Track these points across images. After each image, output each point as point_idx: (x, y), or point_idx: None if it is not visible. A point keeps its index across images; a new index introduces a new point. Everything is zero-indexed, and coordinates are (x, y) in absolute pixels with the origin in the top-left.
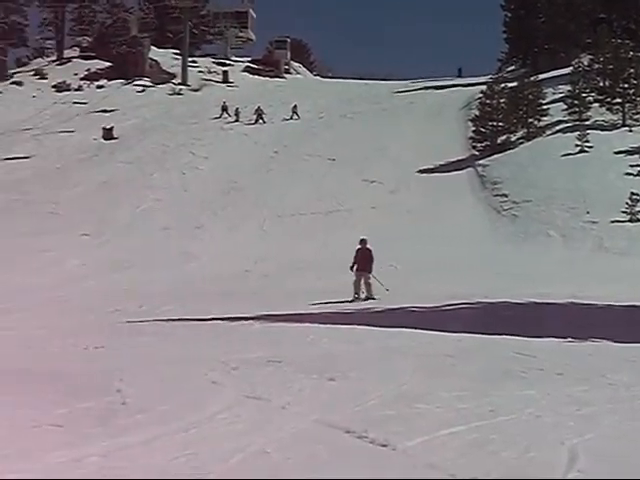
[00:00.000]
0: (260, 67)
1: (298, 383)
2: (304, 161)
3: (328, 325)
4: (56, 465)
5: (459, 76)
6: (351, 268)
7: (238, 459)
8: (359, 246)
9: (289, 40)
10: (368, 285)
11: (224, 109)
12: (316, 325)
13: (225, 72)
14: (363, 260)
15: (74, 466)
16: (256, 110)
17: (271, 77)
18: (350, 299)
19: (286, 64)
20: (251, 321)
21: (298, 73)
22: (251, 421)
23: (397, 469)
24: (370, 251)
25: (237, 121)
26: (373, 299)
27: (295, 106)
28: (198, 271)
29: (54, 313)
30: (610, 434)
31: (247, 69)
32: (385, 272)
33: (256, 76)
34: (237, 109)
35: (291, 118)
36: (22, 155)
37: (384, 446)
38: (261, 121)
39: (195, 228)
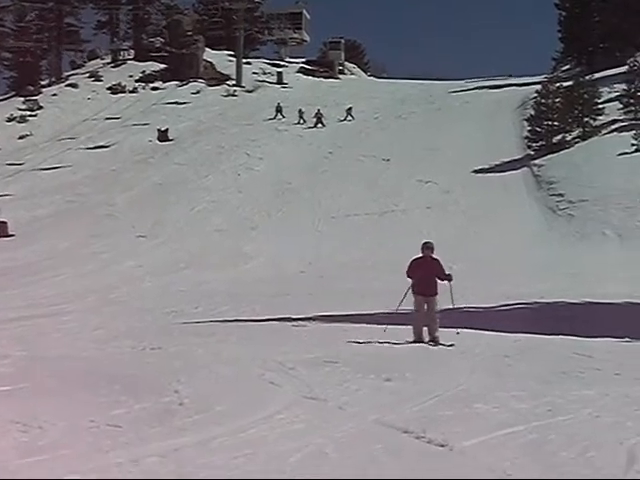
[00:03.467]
0: (314, 68)
1: (355, 383)
2: (358, 162)
3: (384, 325)
4: (114, 466)
5: (510, 76)
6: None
7: (296, 459)
8: (420, 255)
9: (343, 41)
10: (434, 320)
11: (278, 110)
12: (372, 326)
13: (279, 73)
14: (427, 276)
15: (132, 466)
16: (316, 114)
17: (325, 78)
18: (410, 340)
19: (340, 65)
20: (306, 322)
21: (352, 74)
22: (309, 421)
23: (455, 469)
24: (438, 262)
25: (301, 123)
26: (442, 345)
27: (350, 108)
28: (253, 272)
29: (111, 314)
30: None
31: (301, 70)
32: None
33: (310, 77)
34: (300, 110)
35: (345, 119)
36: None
37: (442, 446)
38: (320, 125)
39: (250, 229)
